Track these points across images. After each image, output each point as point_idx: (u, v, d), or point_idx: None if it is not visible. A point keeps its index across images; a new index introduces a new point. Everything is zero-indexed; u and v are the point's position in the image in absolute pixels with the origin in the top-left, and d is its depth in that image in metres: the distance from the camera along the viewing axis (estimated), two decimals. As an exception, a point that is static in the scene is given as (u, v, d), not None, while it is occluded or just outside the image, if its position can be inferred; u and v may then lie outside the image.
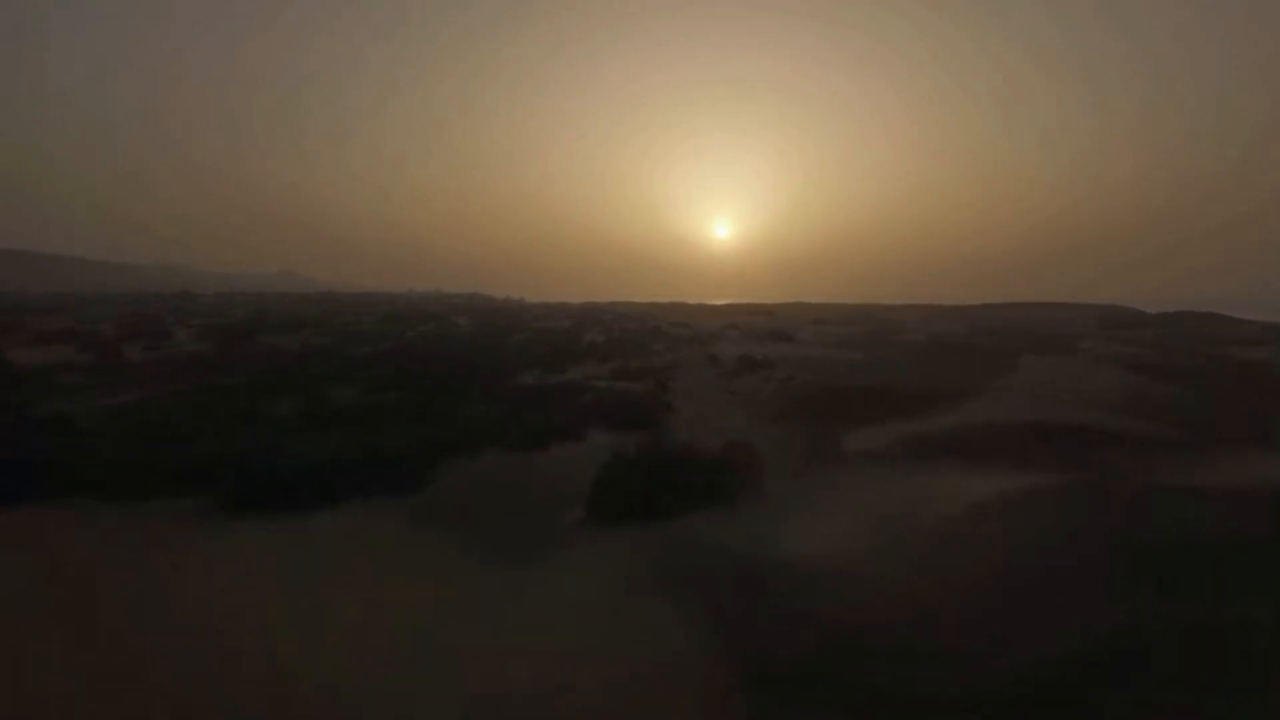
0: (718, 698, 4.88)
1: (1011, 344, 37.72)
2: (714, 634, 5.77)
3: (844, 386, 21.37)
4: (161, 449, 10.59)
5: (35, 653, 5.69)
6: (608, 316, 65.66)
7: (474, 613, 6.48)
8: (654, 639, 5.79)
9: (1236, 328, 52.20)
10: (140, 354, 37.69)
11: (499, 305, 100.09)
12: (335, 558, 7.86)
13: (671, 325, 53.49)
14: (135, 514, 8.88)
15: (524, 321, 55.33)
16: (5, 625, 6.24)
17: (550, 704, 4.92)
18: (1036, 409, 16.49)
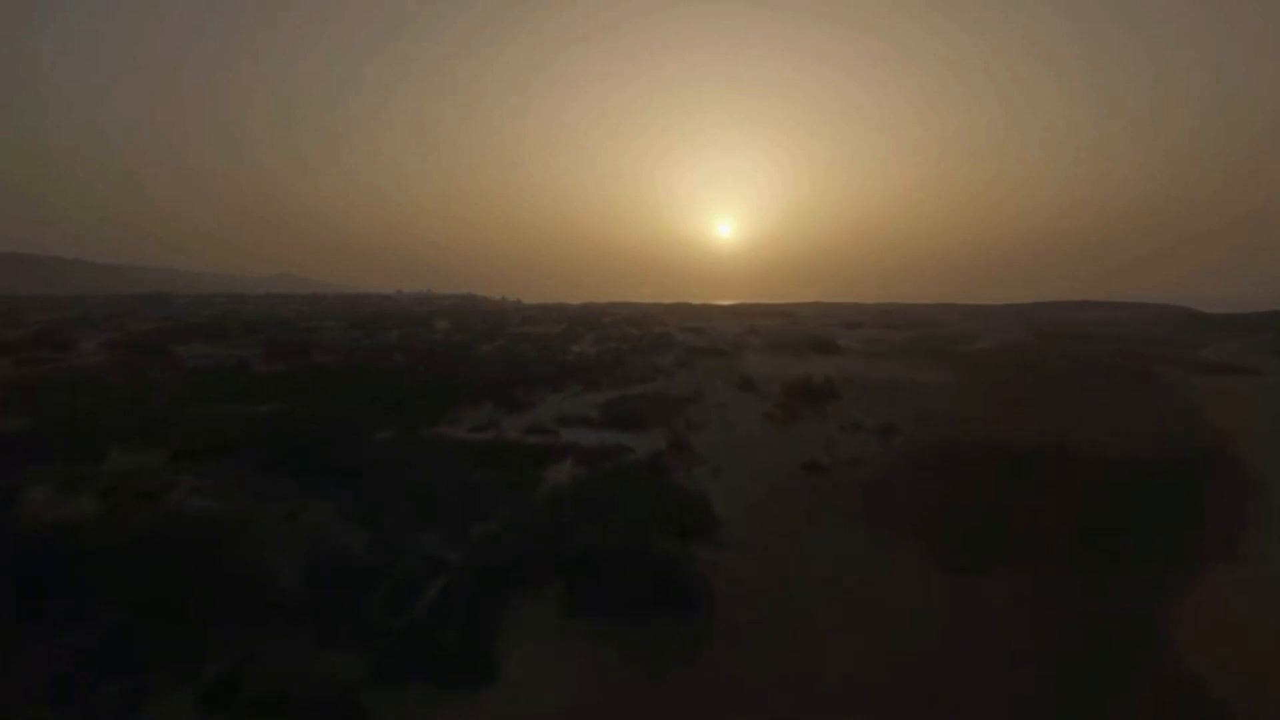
0: None
1: (1134, 357, 28.82)
2: None
3: (997, 447, 12.52)
4: None
5: None
6: (606, 320, 55.59)
7: None
8: None
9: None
10: (10, 369, 29.75)
11: (492, 307, 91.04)
12: None
13: (682, 331, 44.45)
14: None
15: (508, 326, 46.33)
16: None
17: None
18: None
